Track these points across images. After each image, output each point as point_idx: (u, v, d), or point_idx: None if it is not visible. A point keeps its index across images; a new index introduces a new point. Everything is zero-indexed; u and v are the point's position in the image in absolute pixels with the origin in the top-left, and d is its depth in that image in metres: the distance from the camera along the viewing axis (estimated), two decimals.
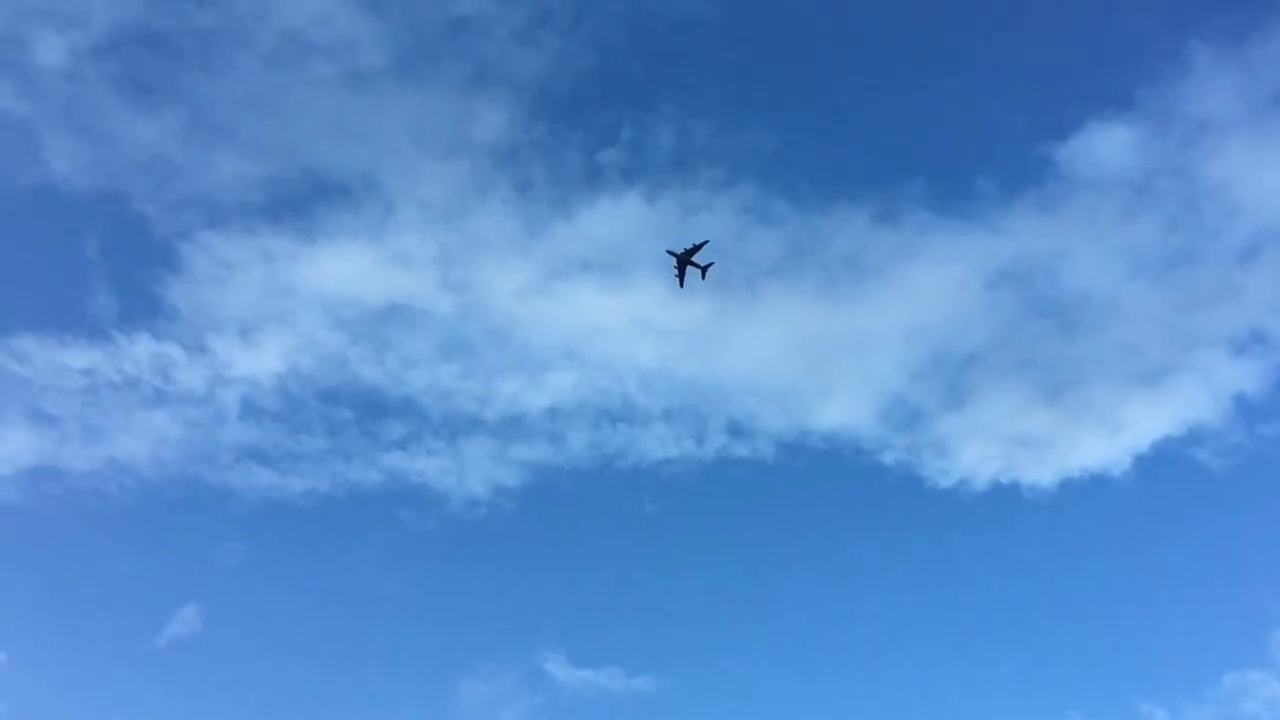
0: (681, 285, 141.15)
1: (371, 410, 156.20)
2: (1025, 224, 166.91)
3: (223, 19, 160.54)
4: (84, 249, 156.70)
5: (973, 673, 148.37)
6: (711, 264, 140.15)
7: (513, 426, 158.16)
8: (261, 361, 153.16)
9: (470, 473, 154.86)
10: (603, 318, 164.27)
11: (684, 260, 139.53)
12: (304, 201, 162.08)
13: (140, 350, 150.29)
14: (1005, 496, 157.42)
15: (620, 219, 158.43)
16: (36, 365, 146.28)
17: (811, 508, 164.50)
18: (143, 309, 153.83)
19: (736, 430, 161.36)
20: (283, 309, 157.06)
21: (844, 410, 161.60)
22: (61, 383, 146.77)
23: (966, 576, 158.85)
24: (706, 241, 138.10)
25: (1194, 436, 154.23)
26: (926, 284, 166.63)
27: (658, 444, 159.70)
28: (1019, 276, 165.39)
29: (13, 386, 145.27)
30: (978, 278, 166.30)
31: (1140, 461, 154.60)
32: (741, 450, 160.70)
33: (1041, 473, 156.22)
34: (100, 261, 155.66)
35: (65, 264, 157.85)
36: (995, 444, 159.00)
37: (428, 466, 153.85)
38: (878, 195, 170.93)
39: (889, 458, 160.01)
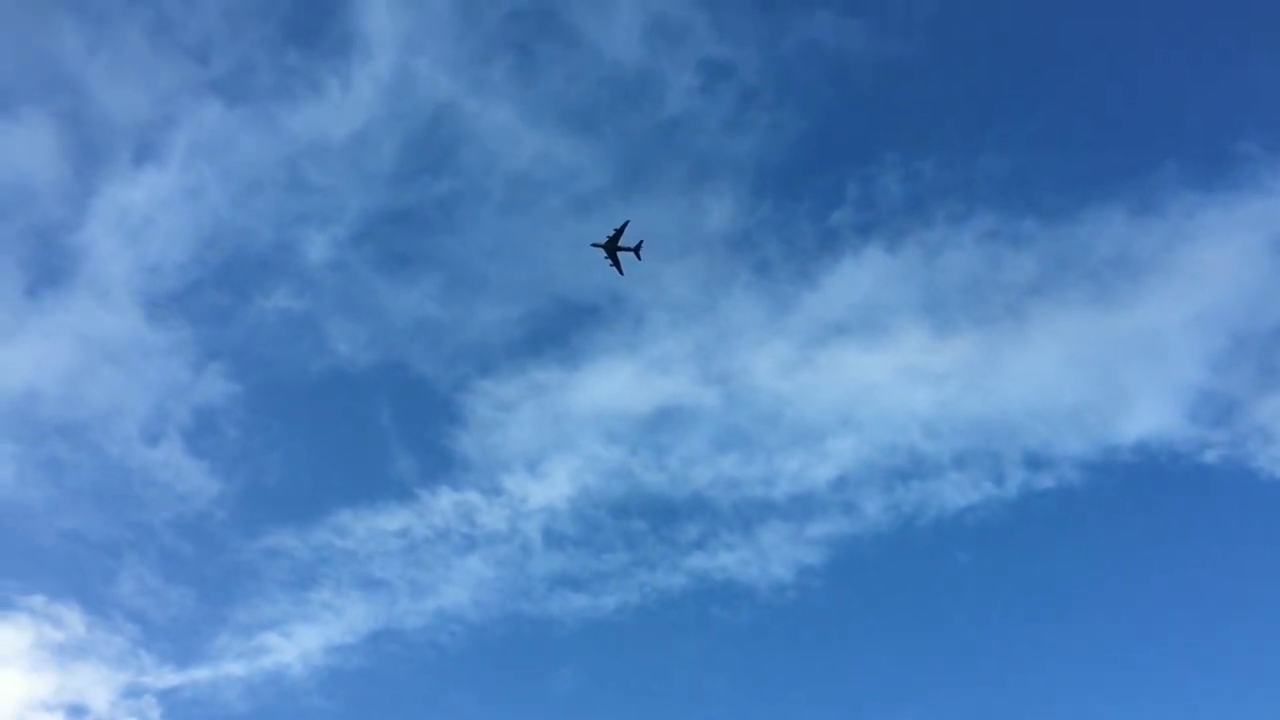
0: (621, 273, 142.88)
1: (663, 516, 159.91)
2: None
3: (458, 181, 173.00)
4: (378, 420, 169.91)
5: None
6: (641, 242, 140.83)
7: (803, 504, 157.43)
8: (553, 490, 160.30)
9: (771, 559, 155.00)
10: (870, 375, 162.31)
11: (611, 248, 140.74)
12: (560, 330, 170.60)
13: (444, 503, 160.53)
14: None
15: (865, 274, 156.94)
16: (358, 536, 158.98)
17: (1136, 525, 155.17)
18: (439, 464, 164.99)
19: (1035, 462, 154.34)
20: (561, 436, 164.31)
21: (1148, 417, 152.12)
22: (383, 548, 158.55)
23: None
24: (627, 222, 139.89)
25: None
26: (1207, 265, 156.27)
27: (955, 492, 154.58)
28: None
29: (342, 560, 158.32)
30: (1264, 245, 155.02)
31: None
32: (1045, 481, 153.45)
33: None
34: (394, 428, 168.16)
35: (364, 437, 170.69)
36: None
37: (729, 561, 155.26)
38: (1129, 189, 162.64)
39: (1211, 456, 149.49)
